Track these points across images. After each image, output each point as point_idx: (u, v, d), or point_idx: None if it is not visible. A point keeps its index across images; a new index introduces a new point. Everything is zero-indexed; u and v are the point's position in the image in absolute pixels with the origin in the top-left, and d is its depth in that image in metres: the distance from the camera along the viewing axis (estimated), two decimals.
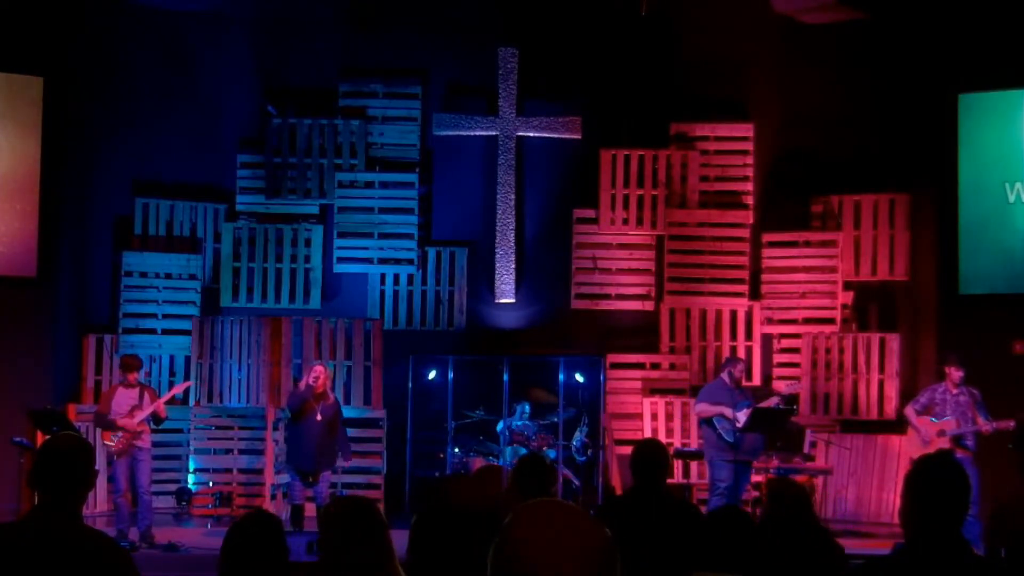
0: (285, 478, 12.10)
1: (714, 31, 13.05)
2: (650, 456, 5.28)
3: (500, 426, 12.51)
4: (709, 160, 13.28)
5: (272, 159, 13.36)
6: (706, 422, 10.52)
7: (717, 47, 13.03)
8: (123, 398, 10.41)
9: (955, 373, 10.32)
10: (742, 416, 10.31)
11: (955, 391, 10.31)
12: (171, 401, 11.17)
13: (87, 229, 13.12)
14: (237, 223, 13.36)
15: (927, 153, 12.40)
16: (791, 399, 11.93)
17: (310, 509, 10.77)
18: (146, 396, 10.44)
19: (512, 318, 13.46)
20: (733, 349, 12.78)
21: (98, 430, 10.71)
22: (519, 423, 12.46)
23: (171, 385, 12.36)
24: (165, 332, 13.02)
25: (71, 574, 3.48)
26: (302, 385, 10.70)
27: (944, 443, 10.13)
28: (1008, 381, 11.01)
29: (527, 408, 12.59)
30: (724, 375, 10.73)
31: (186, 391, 12.07)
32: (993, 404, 10.33)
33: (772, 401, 10.83)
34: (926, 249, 12.59)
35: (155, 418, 10.50)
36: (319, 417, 10.43)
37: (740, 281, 13.00)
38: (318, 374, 10.53)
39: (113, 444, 10.30)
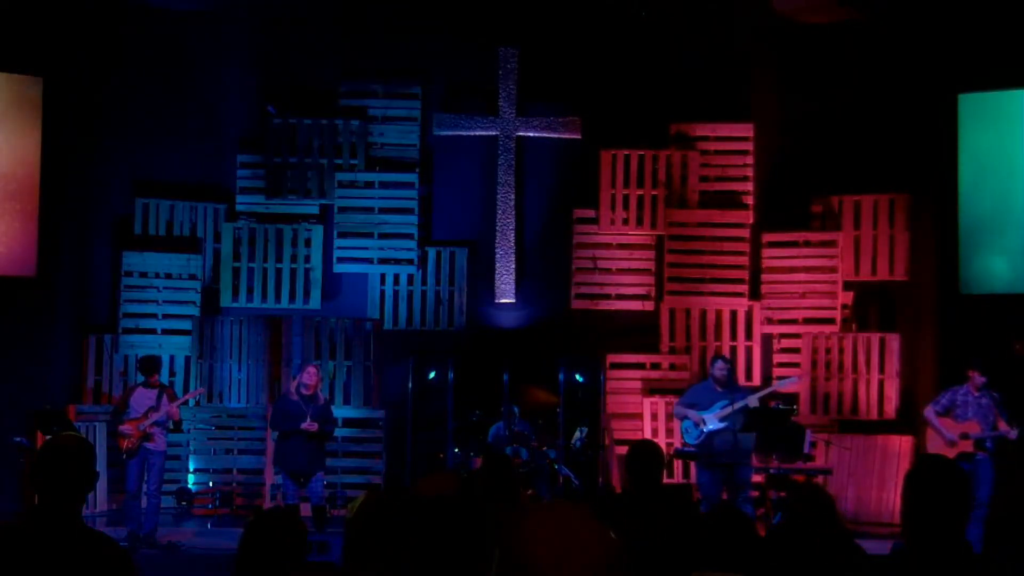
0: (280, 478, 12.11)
1: (714, 31, 13.05)
2: (645, 456, 5.28)
3: (491, 438, 12.42)
4: (709, 160, 13.28)
5: (272, 159, 13.35)
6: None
7: (717, 47, 13.03)
8: (141, 398, 10.43)
9: (978, 378, 10.35)
10: (711, 417, 10.19)
11: (977, 394, 10.36)
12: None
13: (87, 229, 13.12)
14: (237, 223, 13.36)
15: (927, 153, 12.38)
16: (790, 399, 11.90)
17: (305, 509, 10.75)
18: (164, 398, 10.45)
19: (512, 318, 13.46)
20: (733, 349, 12.78)
21: (97, 431, 10.70)
22: (515, 427, 12.41)
23: (171, 385, 12.38)
24: (165, 332, 13.02)
25: (71, 574, 3.48)
26: (292, 389, 10.73)
27: (968, 445, 10.20)
28: (1008, 381, 10.99)
29: (516, 411, 12.54)
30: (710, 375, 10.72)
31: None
32: None
33: (752, 399, 10.41)
34: (926, 249, 12.57)
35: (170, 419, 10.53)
36: (309, 422, 10.45)
37: (740, 281, 12.99)
38: (310, 376, 10.61)
39: (124, 444, 10.30)
